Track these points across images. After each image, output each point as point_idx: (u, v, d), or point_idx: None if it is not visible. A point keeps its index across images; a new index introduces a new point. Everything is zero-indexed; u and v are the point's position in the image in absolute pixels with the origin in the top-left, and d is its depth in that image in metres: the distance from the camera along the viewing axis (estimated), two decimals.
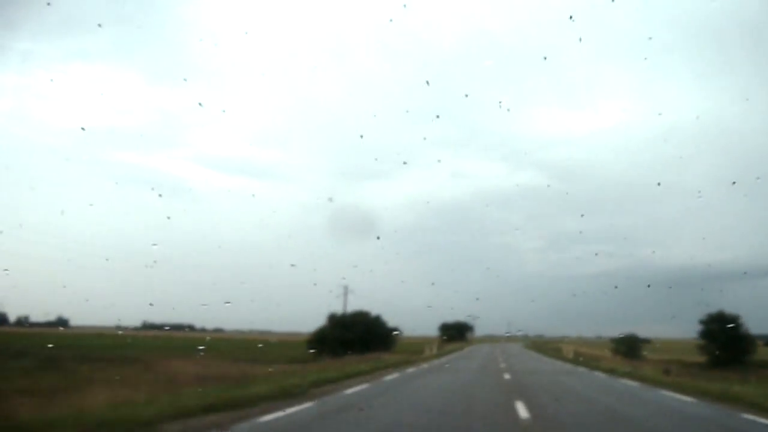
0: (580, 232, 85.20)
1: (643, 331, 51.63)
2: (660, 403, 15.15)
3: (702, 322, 47.76)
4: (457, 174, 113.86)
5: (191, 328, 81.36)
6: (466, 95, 76.49)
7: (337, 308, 54.23)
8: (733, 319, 47.45)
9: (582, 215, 49.34)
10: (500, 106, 67.36)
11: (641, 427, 11.23)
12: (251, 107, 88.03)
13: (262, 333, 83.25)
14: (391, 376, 22.13)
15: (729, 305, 47.07)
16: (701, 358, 47.83)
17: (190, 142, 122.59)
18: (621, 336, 51.13)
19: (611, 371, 28.05)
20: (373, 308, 52.38)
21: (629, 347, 49.12)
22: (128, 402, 12.09)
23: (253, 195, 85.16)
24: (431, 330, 79.77)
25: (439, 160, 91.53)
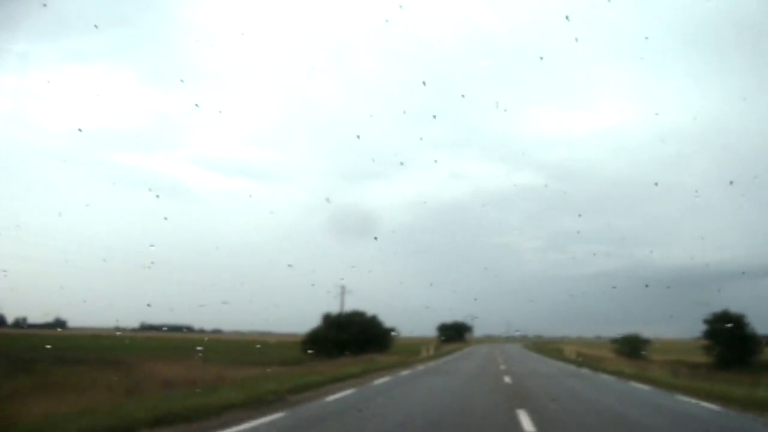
0: (578, 232, 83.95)
1: (641, 331, 49.63)
2: (683, 413, 13.05)
3: (707, 321, 45.62)
4: (455, 174, 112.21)
5: (189, 329, 79.54)
6: (463, 96, 74.34)
7: (336, 309, 52.28)
8: (738, 318, 45.39)
9: (580, 215, 48.90)
10: (497, 107, 65.98)
11: None
12: (248, 108, 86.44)
13: (261, 334, 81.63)
14: (382, 380, 20.06)
15: (727, 305, 45.37)
16: (704, 359, 45.77)
17: (188, 142, 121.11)
18: (623, 336, 48.94)
19: (617, 373, 25.98)
20: (372, 309, 50.53)
21: (632, 347, 46.96)
22: (68, 413, 10.22)
23: (251, 196, 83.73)
24: (430, 330, 77.79)
25: (436, 161, 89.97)
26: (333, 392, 15.55)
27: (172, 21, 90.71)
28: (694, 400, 14.92)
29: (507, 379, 21.02)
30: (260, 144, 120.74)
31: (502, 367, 30.21)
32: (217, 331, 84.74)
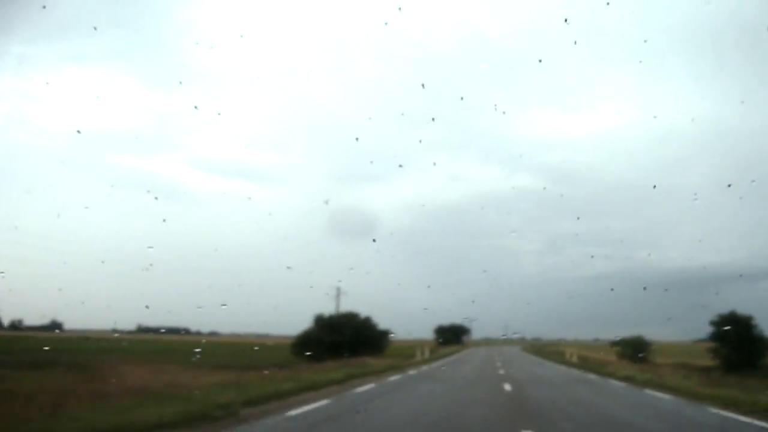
0: (577, 235, 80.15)
1: (639, 334, 46.62)
2: None
3: (713, 323, 42.38)
4: (454, 177, 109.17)
5: (187, 331, 76.68)
6: (462, 98, 71.38)
7: (332, 310, 49.30)
8: (746, 320, 42.12)
9: (578, 218, 46.70)
10: (496, 109, 63.17)
11: None
12: (247, 110, 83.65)
13: (259, 336, 78.60)
14: (364, 388, 17.00)
15: (725, 307, 42.34)
16: (709, 361, 42.66)
17: (186, 145, 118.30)
18: (626, 338, 45.64)
19: (628, 379, 22.88)
20: (369, 311, 47.72)
21: (635, 350, 43.72)
22: None
23: (249, 198, 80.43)
24: (427, 333, 74.63)
25: (434, 163, 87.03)
26: (301, 404, 12.54)
27: (171, 23, 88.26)
28: (734, 415, 11.88)
29: (507, 387, 17.96)
30: (259, 146, 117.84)
31: (501, 371, 27.11)
32: (214, 334, 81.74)
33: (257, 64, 74.92)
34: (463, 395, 16.22)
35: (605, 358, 42.04)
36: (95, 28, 44.41)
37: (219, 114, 61.46)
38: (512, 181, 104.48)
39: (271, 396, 13.66)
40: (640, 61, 58.07)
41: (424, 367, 30.50)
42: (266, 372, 21.10)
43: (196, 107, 38.37)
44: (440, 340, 71.04)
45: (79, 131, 50.74)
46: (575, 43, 56.94)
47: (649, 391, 17.94)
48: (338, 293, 52.19)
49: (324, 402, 13.09)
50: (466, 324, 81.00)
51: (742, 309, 42.54)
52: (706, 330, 44.06)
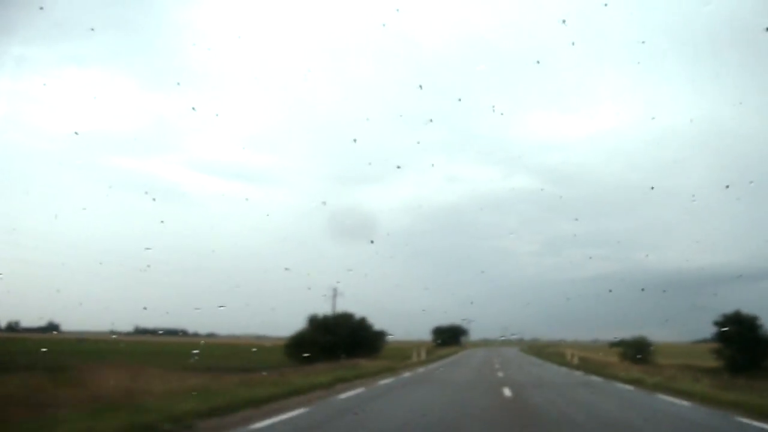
0: (575, 236, 78.36)
1: (638, 334, 44.85)
2: None
3: (717, 323, 40.52)
4: (452, 178, 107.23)
5: (185, 332, 74.93)
6: (460, 99, 69.97)
7: (329, 311, 47.53)
8: (751, 320, 40.31)
9: (576, 219, 44.80)
10: (494, 111, 61.14)
11: None
12: (245, 111, 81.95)
13: (257, 337, 76.84)
14: (351, 393, 15.17)
15: (723, 308, 40.62)
16: (711, 362, 40.83)
17: (184, 146, 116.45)
18: (628, 339, 43.70)
19: (635, 382, 21.02)
20: (367, 312, 45.89)
21: (637, 352, 41.80)
22: None
23: (247, 199, 78.75)
24: (425, 334, 72.77)
25: (432, 165, 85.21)
26: (273, 413, 10.73)
27: (169, 25, 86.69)
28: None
29: (506, 392, 16.11)
30: (257, 147, 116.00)
31: (500, 374, 25.24)
32: (212, 335, 79.96)
33: (255, 66, 73.31)
34: (460, 400, 14.39)
35: (606, 359, 40.15)
36: (93, 30, 42.76)
37: (217, 115, 59.72)
38: (510, 182, 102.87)
39: (241, 404, 11.84)
40: (639, 63, 56.60)
41: (420, 370, 28.62)
42: (265, 374, 19.32)
43: (193, 108, 36.84)
44: (438, 342, 69.13)
45: (76, 132, 48.99)
46: (573, 44, 55.22)
47: (662, 396, 16.09)
48: (335, 294, 50.41)
49: (299, 411, 11.27)
50: (464, 325, 79.09)
51: (741, 310, 40.93)
52: (705, 331, 42.48)
